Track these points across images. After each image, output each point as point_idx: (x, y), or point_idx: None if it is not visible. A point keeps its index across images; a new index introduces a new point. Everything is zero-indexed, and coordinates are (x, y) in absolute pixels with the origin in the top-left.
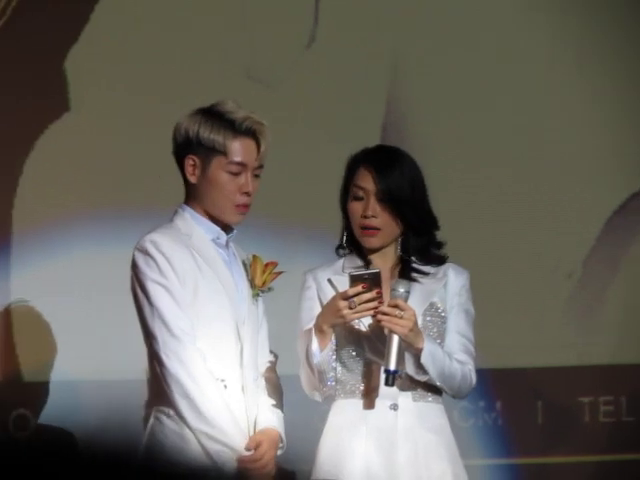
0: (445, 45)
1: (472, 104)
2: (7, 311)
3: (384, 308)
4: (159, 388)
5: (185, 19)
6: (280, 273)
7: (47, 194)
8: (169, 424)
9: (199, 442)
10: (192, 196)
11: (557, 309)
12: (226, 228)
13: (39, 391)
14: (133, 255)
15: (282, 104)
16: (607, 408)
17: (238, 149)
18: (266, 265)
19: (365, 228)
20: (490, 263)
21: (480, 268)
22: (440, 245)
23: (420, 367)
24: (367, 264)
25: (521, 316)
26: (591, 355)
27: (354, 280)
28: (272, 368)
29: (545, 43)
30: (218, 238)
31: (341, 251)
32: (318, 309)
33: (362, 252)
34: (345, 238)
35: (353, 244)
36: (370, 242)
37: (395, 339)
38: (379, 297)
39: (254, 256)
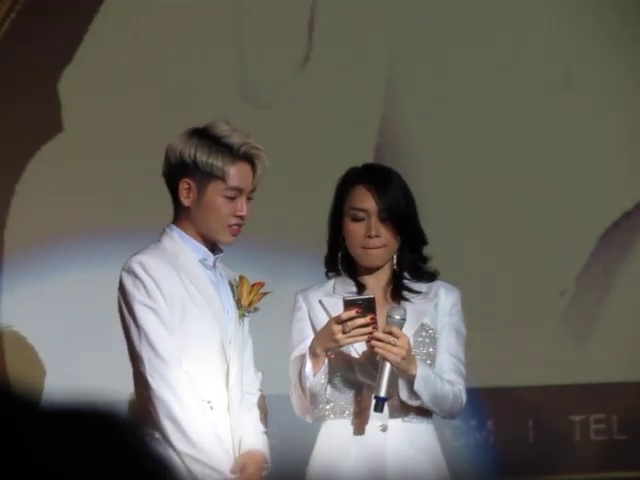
0: (439, 64)
1: (466, 123)
2: None
3: (378, 334)
4: (144, 410)
5: (178, 40)
6: (266, 293)
7: (39, 215)
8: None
9: (184, 464)
10: (183, 217)
11: (549, 327)
12: (214, 249)
13: None
14: (120, 276)
15: (275, 124)
16: (599, 426)
17: (236, 174)
18: (253, 285)
19: (368, 248)
20: (481, 281)
21: (471, 285)
22: (426, 260)
23: (413, 393)
24: (358, 284)
25: (513, 334)
26: (583, 373)
27: (348, 305)
28: (258, 387)
29: (538, 58)
30: (205, 259)
31: (331, 274)
32: (309, 330)
33: (354, 272)
34: (340, 259)
35: (344, 264)
36: (374, 261)
37: (387, 366)
38: (373, 322)
39: (241, 277)
